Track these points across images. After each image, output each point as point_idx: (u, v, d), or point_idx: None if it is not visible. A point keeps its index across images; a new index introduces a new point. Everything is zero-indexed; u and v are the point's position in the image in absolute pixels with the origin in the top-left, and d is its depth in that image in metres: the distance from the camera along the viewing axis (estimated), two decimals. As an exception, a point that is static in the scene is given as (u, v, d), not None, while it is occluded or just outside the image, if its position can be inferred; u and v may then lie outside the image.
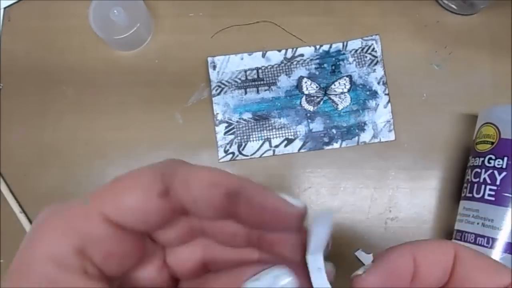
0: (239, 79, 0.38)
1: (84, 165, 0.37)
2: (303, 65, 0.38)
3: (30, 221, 0.37)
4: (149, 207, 0.15)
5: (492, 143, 0.32)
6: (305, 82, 0.38)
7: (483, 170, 0.32)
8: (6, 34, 0.40)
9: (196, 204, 0.15)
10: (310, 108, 0.37)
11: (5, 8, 0.41)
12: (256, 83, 0.38)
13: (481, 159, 0.32)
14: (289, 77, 0.38)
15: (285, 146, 0.37)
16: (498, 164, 0.32)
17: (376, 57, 0.38)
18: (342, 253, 0.36)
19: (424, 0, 0.39)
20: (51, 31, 0.40)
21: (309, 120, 0.37)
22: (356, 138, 0.37)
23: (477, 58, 0.38)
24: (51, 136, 0.38)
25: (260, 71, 0.38)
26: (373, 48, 0.38)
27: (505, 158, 0.31)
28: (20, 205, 0.37)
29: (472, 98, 0.37)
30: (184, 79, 0.38)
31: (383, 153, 0.37)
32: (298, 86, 0.38)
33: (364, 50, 0.38)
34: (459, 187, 0.35)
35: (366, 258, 0.37)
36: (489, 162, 0.32)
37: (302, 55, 0.38)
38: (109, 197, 0.15)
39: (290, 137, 0.37)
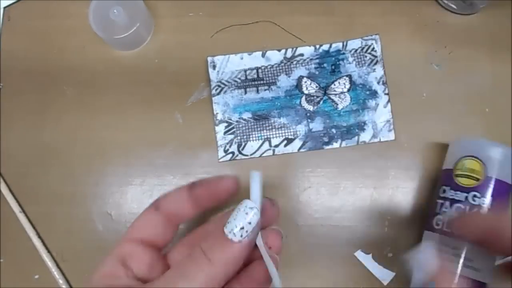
0: (239, 78, 0.38)
1: (84, 165, 0.37)
2: (303, 64, 0.38)
3: (30, 221, 0.37)
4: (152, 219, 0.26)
5: (478, 179, 0.31)
6: (305, 82, 0.38)
7: (467, 207, 0.31)
8: (6, 34, 0.40)
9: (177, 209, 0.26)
10: (310, 107, 0.37)
11: (5, 8, 0.41)
12: (256, 82, 0.38)
13: (464, 194, 0.31)
14: (289, 76, 0.38)
15: (285, 145, 0.37)
16: (483, 203, 0.30)
17: (376, 56, 0.38)
18: (342, 253, 0.36)
19: (424, 0, 0.39)
20: (51, 31, 0.40)
21: (309, 120, 0.37)
22: (356, 137, 0.37)
23: (477, 58, 0.38)
24: (51, 136, 0.38)
25: (260, 70, 0.38)
26: (373, 48, 0.38)
27: (491, 198, 0.30)
28: (20, 205, 0.37)
29: (472, 98, 0.37)
30: (184, 79, 0.38)
31: (383, 153, 0.37)
32: (298, 85, 0.38)
33: (364, 49, 0.38)
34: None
35: (366, 258, 0.37)
36: (473, 200, 0.31)
37: (302, 54, 0.38)
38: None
39: (290, 136, 0.37)
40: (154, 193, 0.37)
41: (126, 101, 0.38)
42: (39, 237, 0.36)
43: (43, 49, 0.40)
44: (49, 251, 0.36)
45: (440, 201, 0.32)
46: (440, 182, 0.34)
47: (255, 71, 0.38)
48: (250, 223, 0.22)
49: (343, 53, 0.38)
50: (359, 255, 0.35)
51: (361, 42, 0.38)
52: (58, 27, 0.40)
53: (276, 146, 0.37)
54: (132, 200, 0.37)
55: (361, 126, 0.37)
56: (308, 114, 0.37)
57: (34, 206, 0.37)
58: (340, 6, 0.39)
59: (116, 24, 0.37)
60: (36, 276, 0.36)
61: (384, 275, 0.35)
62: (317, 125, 0.37)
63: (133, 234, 0.26)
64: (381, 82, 0.37)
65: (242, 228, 0.22)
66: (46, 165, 0.38)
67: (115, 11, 0.37)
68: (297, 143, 0.37)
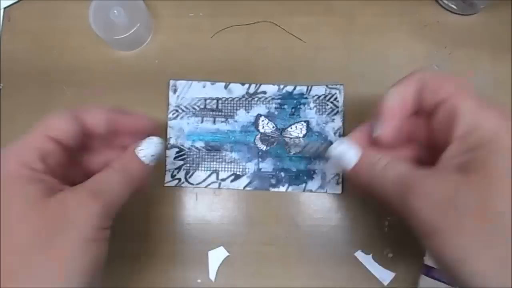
0: (198, 106, 0.38)
1: (84, 165, 0.37)
2: (264, 102, 0.38)
3: (30, 221, 0.37)
4: (69, 127, 0.26)
5: None
6: (262, 121, 0.37)
7: None
8: (6, 34, 0.40)
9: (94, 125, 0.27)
10: (263, 147, 0.37)
11: (5, 8, 0.41)
12: (214, 113, 0.37)
13: None
14: (248, 112, 0.37)
15: (232, 181, 0.36)
16: None
17: (337, 107, 0.37)
18: (342, 253, 0.36)
19: (424, 0, 0.39)
20: (51, 31, 0.40)
21: (260, 159, 0.37)
22: (303, 185, 0.36)
23: (477, 58, 0.38)
24: (51, 136, 0.38)
25: (220, 102, 0.38)
26: (336, 98, 0.37)
27: None
28: (20, 205, 0.37)
29: (472, 98, 0.37)
30: (184, 79, 0.38)
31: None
32: (255, 123, 0.37)
33: (327, 98, 0.37)
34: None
35: (366, 258, 0.37)
36: None
37: (264, 92, 0.38)
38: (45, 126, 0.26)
39: (238, 172, 0.37)
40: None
41: (126, 101, 0.38)
42: (39, 237, 0.36)
43: (43, 49, 0.40)
44: (49, 251, 0.36)
45: None
46: None
47: (215, 101, 0.38)
48: (157, 153, 0.28)
49: (306, 98, 0.37)
50: (359, 255, 0.35)
51: (325, 90, 0.37)
52: (58, 27, 0.40)
53: (223, 180, 0.36)
54: (132, 200, 0.37)
55: (310, 174, 0.36)
56: (260, 153, 0.37)
57: (34, 206, 0.37)
58: (340, 6, 0.39)
59: (116, 25, 0.37)
60: (36, 276, 0.36)
61: (384, 275, 0.35)
62: (267, 166, 0.37)
63: (47, 130, 0.25)
64: (337, 134, 0.37)
65: (153, 155, 0.28)
66: (46, 165, 0.38)
67: (115, 11, 0.37)
68: (244, 181, 0.36)
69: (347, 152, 0.26)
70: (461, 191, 0.22)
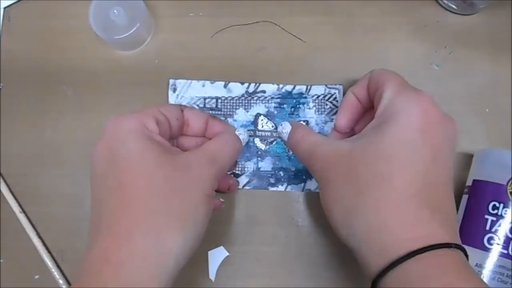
0: (197, 105, 0.38)
1: (84, 165, 0.37)
2: (263, 102, 0.38)
3: (30, 221, 0.37)
4: (176, 112, 0.30)
5: None
6: (261, 120, 0.37)
7: None
8: (6, 34, 0.40)
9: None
10: (262, 146, 0.37)
11: (5, 8, 0.41)
12: (214, 112, 0.37)
13: None
14: (247, 111, 0.37)
15: None
16: None
17: (336, 107, 0.37)
18: (342, 253, 0.36)
19: (424, 0, 0.39)
20: (51, 31, 0.40)
21: (259, 158, 0.37)
22: (302, 184, 0.36)
23: (477, 58, 0.38)
24: (51, 136, 0.38)
25: (219, 101, 0.38)
26: (335, 98, 0.37)
27: None
28: (20, 205, 0.37)
29: (472, 98, 0.37)
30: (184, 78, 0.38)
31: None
32: (254, 122, 0.37)
33: (326, 97, 0.37)
34: (459, 188, 0.35)
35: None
36: None
37: (264, 91, 0.38)
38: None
39: (237, 172, 0.37)
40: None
41: (126, 101, 0.38)
42: (39, 237, 0.36)
43: (43, 49, 0.40)
44: (49, 251, 0.36)
45: (491, 217, 0.31)
46: (483, 195, 0.32)
47: (214, 100, 0.38)
48: (247, 139, 0.34)
49: (305, 97, 0.37)
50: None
51: (325, 90, 0.37)
52: (58, 27, 0.40)
53: None
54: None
55: (308, 174, 0.36)
56: (259, 153, 0.37)
57: (34, 206, 0.37)
58: (340, 6, 0.39)
59: (116, 24, 0.37)
60: (36, 276, 0.36)
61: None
62: (266, 165, 0.37)
63: (160, 107, 0.29)
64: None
65: (244, 139, 0.33)
66: (46, 165, 0.38)
67: (115, 11, 0.37)
68: (243, 179, 0.36)
69: (284, 128, 0.33)
70: (343, 157, 0.27)
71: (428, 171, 0.25)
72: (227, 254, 0.36)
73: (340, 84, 0.38)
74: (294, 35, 0.39)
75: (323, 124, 0.37)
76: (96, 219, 0.26)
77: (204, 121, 0.33)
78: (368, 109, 0.33)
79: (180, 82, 0.38)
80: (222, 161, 0.29)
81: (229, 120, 0.37)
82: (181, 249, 0.25)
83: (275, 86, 0.38)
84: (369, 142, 0.27)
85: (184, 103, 0.38)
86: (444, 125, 0.27)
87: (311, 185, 0.36)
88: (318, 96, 0.38)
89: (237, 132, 0.32)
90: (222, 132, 0.32)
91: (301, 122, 0.37)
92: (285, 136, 0.33)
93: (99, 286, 0.23)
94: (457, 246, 0.24)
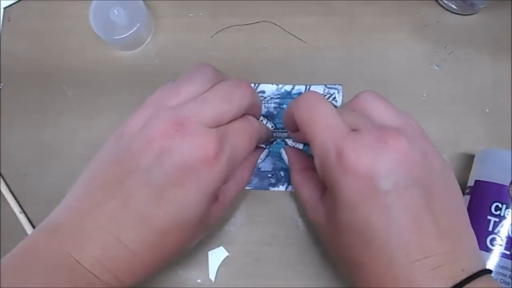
0: None
1: (84, 165, 0.37)
2: (263, 102, 0.37)
3: (30, 221, 0.37)
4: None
5: None
6: (261, 121, 0.37)
7: None
8: (6, 34, 0.40)
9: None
10: (262, 146, 0.37)
11: (5, 8, 0.41)
12: None
13: None
14: None
15: None
16: None
17: (336, 106, 0.37)
18: (342, 253, 0.36)
19: (424, 0, 0.39)
20: (51, 31, 0.40)
21: (260, 158, 0.37)
22: None
23: (477, 58, 0.38)
24: (51, 136, 0.38)
25: None
26: (334, 97, 0.37)
27: None
28: (20, 205, 0.37)
29: (472, 98, 0.37)
30: (184, 79, 0.38)
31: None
32: None
33: (325, 97, 0.37)
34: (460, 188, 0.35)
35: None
36: None
37: (263, 92, 0.38)
38: None
39: None
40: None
41: (126, 101, 0.38)
42: (39, 237, 0.36)
43: (43, 49, 0.40)
44: (49, 251, 0.36)
45: (494, 218, 0.31)
46: (486, 196, 0.32)
47: None
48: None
49: None
50: (359, 255, 0.35)
51: (324, 89, 0.37)
52: (58, 27, 0.40)
53: None
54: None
55: None
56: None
57: (34, 206, 0.37)
58: (340, 6, 0.39)
59: (116, 25, 0.37)
60: (36, 276, 0.36)
61: (384, 275, 0.35)
62: (266, 165, 0.37)
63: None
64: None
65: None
66: (46, 165, 0.38)
67: (115, 11, 0.37)
68: None
69: (284, 157, 0.34)
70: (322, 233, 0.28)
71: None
72: (227, 254, 0.36)
73: (339, 84, 0.38)
74: (294, 35, 0.39)
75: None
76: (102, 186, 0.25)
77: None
78: None
79: None
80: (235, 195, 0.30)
81: None
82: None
83: (274, 87, 0.38)
84: (329, 221, 0.26)
85: None
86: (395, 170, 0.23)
87: None
88: None
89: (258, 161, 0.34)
90: (249, 164, 0.32)
91: None
92: (285, 161, 0.34)
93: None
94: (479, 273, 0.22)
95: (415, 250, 0.22)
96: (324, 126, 0.25)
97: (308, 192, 0.29)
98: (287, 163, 0.33)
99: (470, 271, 0.22)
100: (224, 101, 0.26)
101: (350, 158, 0.23)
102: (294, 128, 0.29)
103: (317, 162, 0.25)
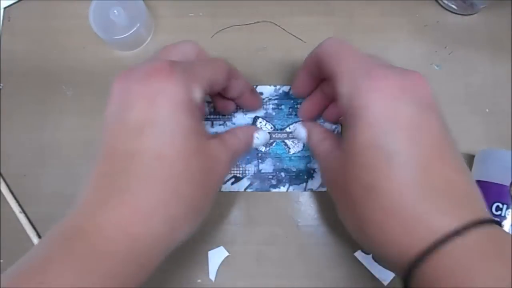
0: None
1: (84, 165, 0.37)
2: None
3: (30, 221, 0.37)
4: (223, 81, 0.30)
5: None
6: (260, 122, 0.37)
7: None
8: (6, 34, 0.40)
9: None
10: (262, 148, 0.37)
11: (5, 8, 0.41)
12: (212, 116, 0.37)
13: None
14: (245, 114, 0.37)
15: (232, 183, 0.36)
16: None
17: None
18: (342, 253, 0.36)
19: (424, 0, 0.39)
20: (51, 31, 0.40)
21: (260, 160, 0.37)
22: (304, 184, 0.36)
23: (477, 58, 0.38)
24: (51, 136, 0.38)
25: None
26: None
27: None
28: (20, 205, 0.37)
29: (472, 98, 0.37)
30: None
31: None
32: (253, 125, 0.37)
33: None
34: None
35: (366, 258, 0.37)
36: None
37: (261, 93, 0.38)
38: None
39: (238, 175, 0.37)
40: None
41: (126, 101, 0.38)
42: (39, 237, 0.36)
43: (43, 49, 0.40)
44: (49, 251, 0.36)
45: (495, 218, 0.31)
46: (486, 196, 0.30)
47: (212, 105, 0.37)
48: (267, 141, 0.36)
49: (302, 98, 0.37)
50: (359, 255, 0.35)
51: None
52: (58, 27, 0.40)
53: (223, 183, 0.36)
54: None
55: (310, 174, 0.36)
56: (260, 155, 0.37)
57: (34, 206, 0.37)
58: (340, 6, 0.39)
59: (116, 25, 0.37)
60: (36, 276, 0.36)
61: (384, 275, 0.35)
62: (267, 167, 0.37)
63: (212, 74, 0.29)
64: (335, 132, 0.37)
65: (262, 144, 0.34)
66: (46, 165, 0.38)
67: (115, 11, 0.37)
68: (244, 182, 0.36)
69: (300, 132, 0.33)
70: (336, 171, 0.27)
71: (412, 161, 0.23)
72: (227, 254, 0.36)
73: None
74: (294, 35, 0.39)
75: (322, 124, 0.37)
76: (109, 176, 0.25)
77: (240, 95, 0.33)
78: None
79: None
80: (237, 153, 0.30)
81: (228, 123, 0.37)
82: (183, 237, 0.25)
83: (272, 88, 0.38)
84: (346, 153, 0.26)
85: None
86: (417, 99, 0.25)
87: (313, 184, 0.36)
88: None
89: (255, 135, 0.33)
90: (244, 129, 0.32)
91: (300, 122, 0.37)
92: (302, 138, 0.33)
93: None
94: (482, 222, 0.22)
95: (437, 176, 0.23)
96: (352, 53, 0.27)
97: (325, 146, 0.30)
98: (302, 136, 0.33)
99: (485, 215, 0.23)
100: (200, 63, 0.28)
101: (380, 75, 0.25)
102: (315, 72, 0.31)
103: (344, 89, 0.26)
